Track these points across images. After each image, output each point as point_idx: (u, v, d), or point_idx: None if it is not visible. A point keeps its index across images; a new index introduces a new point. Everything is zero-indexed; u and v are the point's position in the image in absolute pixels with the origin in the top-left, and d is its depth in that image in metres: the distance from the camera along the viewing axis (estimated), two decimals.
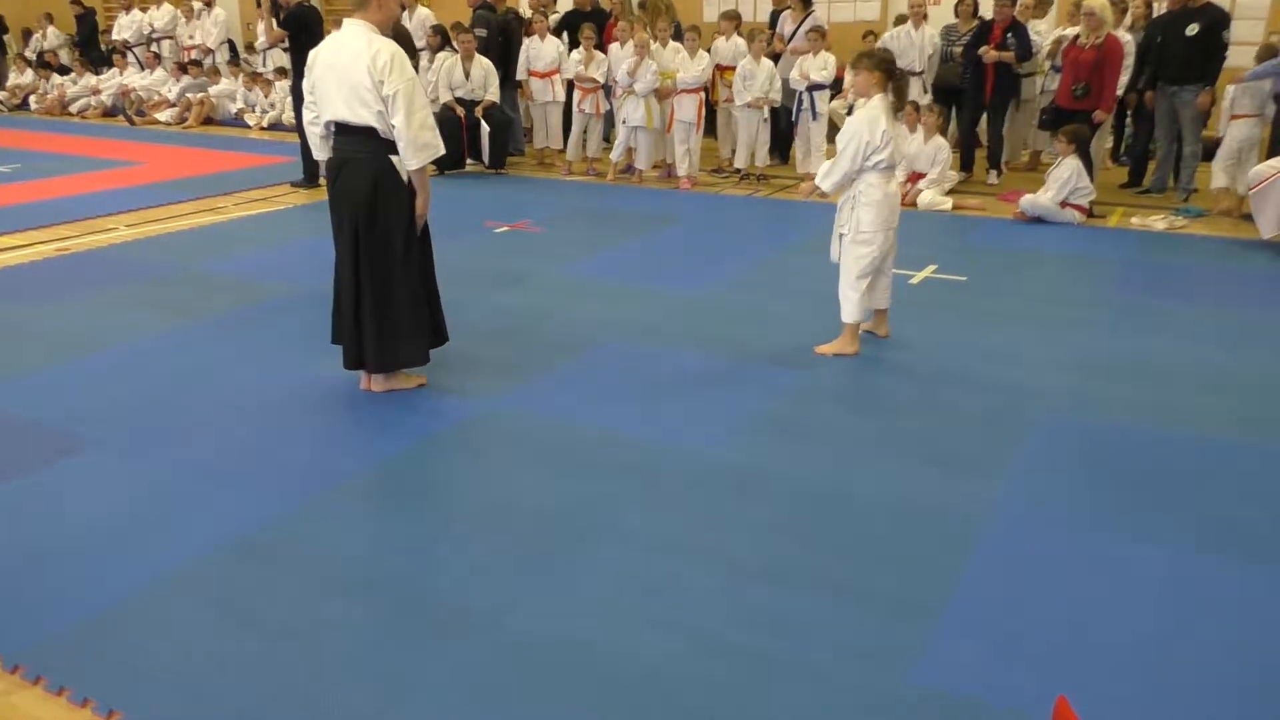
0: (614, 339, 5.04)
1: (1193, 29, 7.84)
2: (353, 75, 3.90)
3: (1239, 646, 2.66)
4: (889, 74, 4.58)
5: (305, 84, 4.15)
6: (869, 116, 4.56)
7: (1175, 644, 2.67)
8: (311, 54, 4.12)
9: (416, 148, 3.95)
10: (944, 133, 8.55)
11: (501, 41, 10.15)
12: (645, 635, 2.70)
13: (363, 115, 3.94)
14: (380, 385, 4.34)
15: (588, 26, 9.56)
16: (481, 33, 9.88)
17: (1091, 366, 4.67)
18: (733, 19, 9.68)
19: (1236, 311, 5.51)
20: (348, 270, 4.14)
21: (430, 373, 4.52)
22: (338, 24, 4.15)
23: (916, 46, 9.03)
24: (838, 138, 4.68)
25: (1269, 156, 7.20)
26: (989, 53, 8.63)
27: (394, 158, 4.03)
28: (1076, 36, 8.11)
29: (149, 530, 3.23)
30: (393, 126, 3.93)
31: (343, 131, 4.06)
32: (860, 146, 4.56)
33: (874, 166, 4.59)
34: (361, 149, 4.03)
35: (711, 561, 3.05)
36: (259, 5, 9.50)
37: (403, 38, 8.56)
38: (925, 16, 9.19)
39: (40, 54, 16.06)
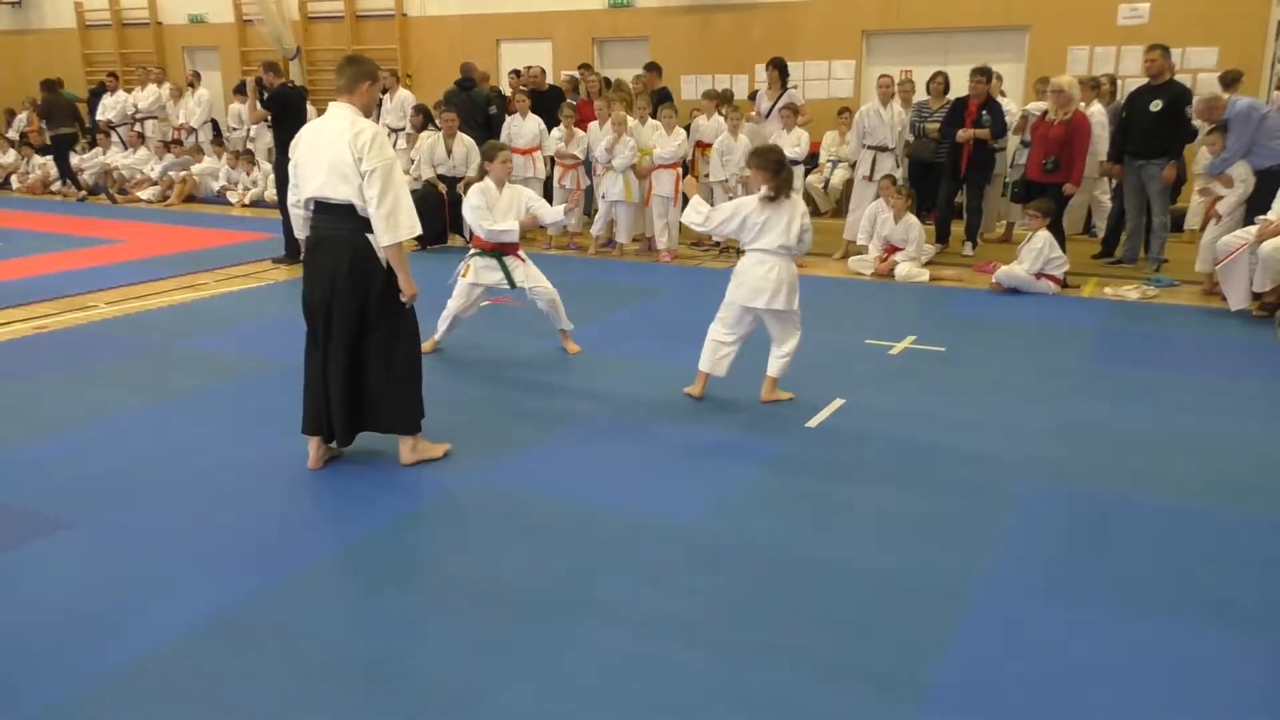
0: (596, 412, 5.04)
1: (1156, 105, 8.07)
2: (334, 153, 3.97)
3: (1228, 716, 2.64)
4: (774, 171, 4.91)
5: (290, 165, 4.20)
6: (740, 201, 5.12)
7: (1163, 716, 2.64)
8: (297, 135, 4.21)
9: (388, 226, 3.96)
10: (914, 211, 8.69)
11: (494, 117, 10.30)
12: (628, 716, 2.65)
13: (342, 191, 3.98)
14: (409, 457, 4.35)
15: (567, 105, 9.76)
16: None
17: (1071, 435, 4.70)
18: (714, 98, 9.90)
19: (1210, 379, 5.58)
20: (324, 345, 4.14)
21: None
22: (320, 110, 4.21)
23: (887, 124, 9.23)
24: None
25: (1244, 224, 7.35)
26: (963, 133, 8.82)
27: (371, 235, 4.06)
28: (1045, 112, 8.34)
29: (124, 613, 3.16)
30: (368, 200, 3.95)
31: (321, 209, 4.10)
32: (724, 215, 5.06)
33: (742, 242, 5.13)
34: (339, 226, 4.06)
35: (696, 639, 3.01)
36: (242, 88, 9.64)
37: None
38: (894, 95, 9.38)
39: (22, 134, 16.16)
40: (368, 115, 4.13)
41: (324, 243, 4.11)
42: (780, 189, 4.94)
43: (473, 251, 6.01)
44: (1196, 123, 8.22)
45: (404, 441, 4.37)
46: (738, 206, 5.07)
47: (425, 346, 5.80)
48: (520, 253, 6.00)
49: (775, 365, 5.14)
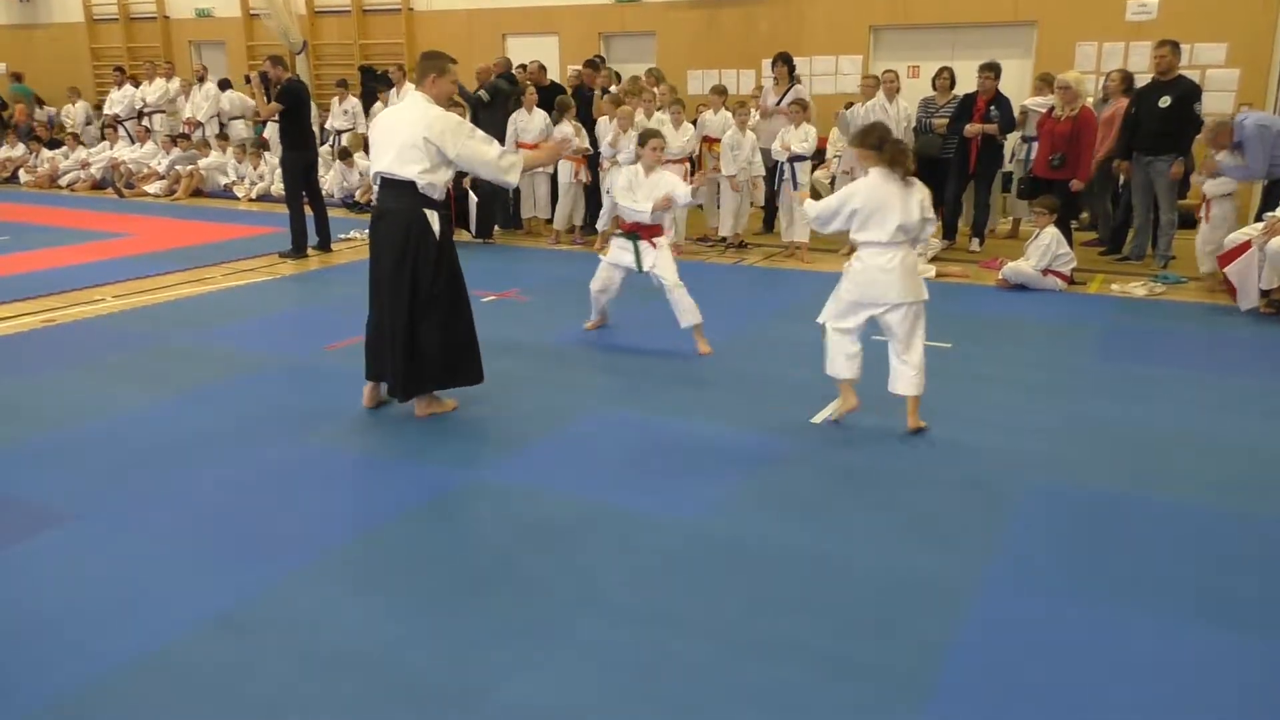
0: (601, 408, 5.04)
1: (1165, 101, 8.04)
2: (407, 135, 4.51)
3: (1229, 715, 2.64)
4: (877, 147, 4.53)
5: (371, 138, 4.82)
6: (851, 188, 4.62)
7: (1166, 714, 2.64)
8: (375, 118, 4.92)
9: (505, 178, 4.72)
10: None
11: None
12: (634, 711, 2.66)
13: (408, 170, 4.52)
14: (421, 410, 4.83)
15: (568, 99, 9.78)
16: (484, 96, 10.11)
17: (1077, 432, 4.69)
18: (721, 93, 9.91)
19: (1217, 376, 5.56)
20: (386, 309, 4.64)
21: (416, 442, 4.54)
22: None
23: (892, 119, 9.20)
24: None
25: (1255, 220, 7.31)
26: (972, 127, 8.81)
27: (427, 210, 4.59)
28: (1052, 109, 8.31)
29: (130, 607, 3.18)
30: (477, 173, 4.73)
31: (386, 185, 4.64)
32: (826, 207, 4.64)
33: (856, 237, 4.63)
34: (399, 201, 4.58)
35: (700, 635, 3.01)
36: (248, 81, 9.63)
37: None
38: (898, 90, 9.38)
39: (30, 128, 16.21)
40: (441, 104, 4.65)
41: (386, 215, 4.63)
42: (895, 166, 4.51)
43: (616, 231, 6.37)
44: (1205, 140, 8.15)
45: (424, 400, 4.84)
46: (844, 196, 4.61)
47: (587, 325, 6.44)
48: (656, 240, 6.18)
49: (904, 380, 4.67)
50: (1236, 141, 7.40)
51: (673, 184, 6.23)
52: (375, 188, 4.80)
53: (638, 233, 6.16)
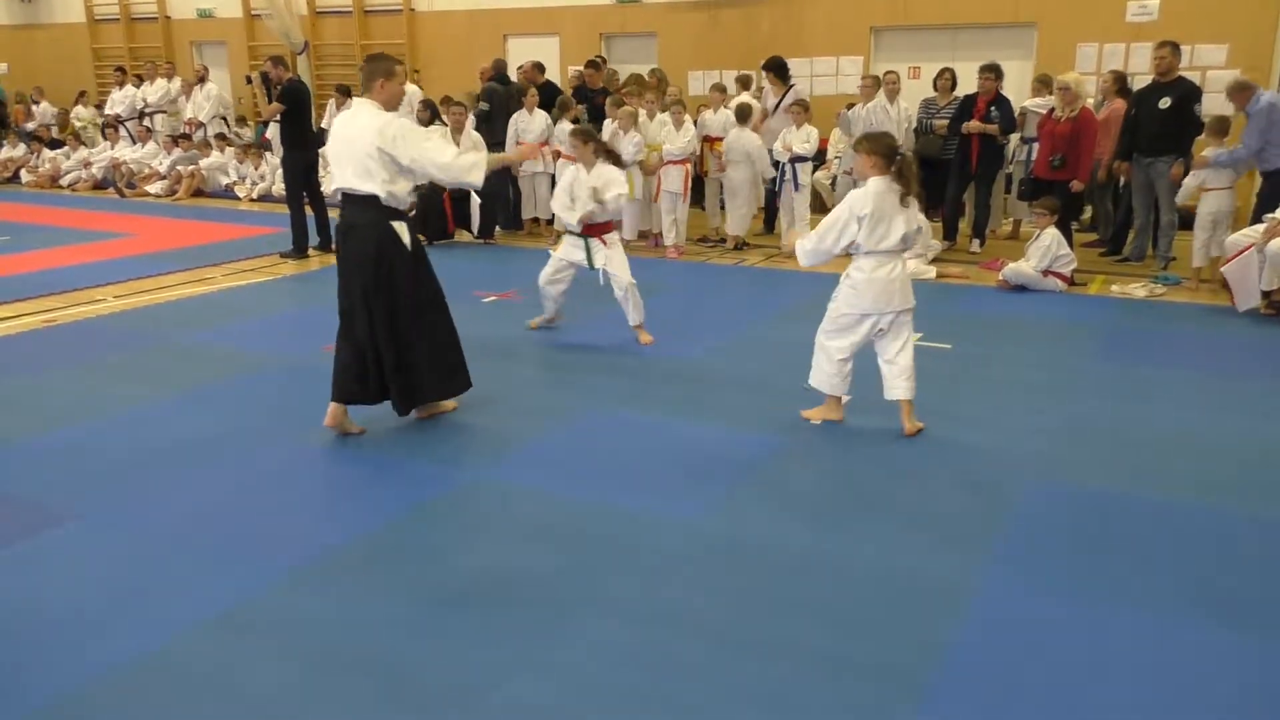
0: (600, 408, 5.05)
1: (1165, 102, 8.03)
2: (362, 147, 4.29)
3: (1228, 715, 2.64)
4: (888, 158, 4.48)
5: (329, 152, 4.55)
6: (855, 197, 4.51)
7: (1163, 714, 2.64)
8: (331, 131, 4.56)
9: (467, 180, 4.52)
10: (921, 208, 8.68)
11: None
12: (633, 709, 2.66)
13: (367, 185, 4.32)
14: (421, 412, 4.79)
15: (568, 99, 9.78)
16: (484, 106, 10.09)
17: (1076, 432, 4.69)
18: (721, 91, 9.91)
19: (1215, 378, 5.56)
20: (363, 326, 4.45)
21: (416, 442, 4.54)
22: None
23: (893, 120, 9.21)
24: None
25: (1252, 223, 7.31)
26: (971, 125, 8.82)
27: (395, 223, 4.41)
28: (1052, 110, 8.32)
29: (130, 605, 3.18)
30: (436, 180, 4.51)
31: (349, 200, 4.42)
32: (832, 225, 4.52)
33: (857, 249, 4.51)
34: (365, 216, 4.38)
35: (698, 633, 3.02)
36: (249, 82, 9.62)
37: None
38: (898, 91, 9.43)
39: (31, 130, 16.21)
40: (392, 109, 4.40)
41: (353, 231, 4.42)
42: (901, 177, 4.44)
43: (569, 229, 6.34)
44: (1208, 117, 8.16)
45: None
46: (849, 206, 4.47)
47: (530, 324, 6.40)
48: (607, 237, 6.17)
49: (901, 385, 4.63)
50: (1247, 111, 7.44)
51: (610, 179, 6.09)
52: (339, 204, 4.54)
53: (588, 231, 6.14)
